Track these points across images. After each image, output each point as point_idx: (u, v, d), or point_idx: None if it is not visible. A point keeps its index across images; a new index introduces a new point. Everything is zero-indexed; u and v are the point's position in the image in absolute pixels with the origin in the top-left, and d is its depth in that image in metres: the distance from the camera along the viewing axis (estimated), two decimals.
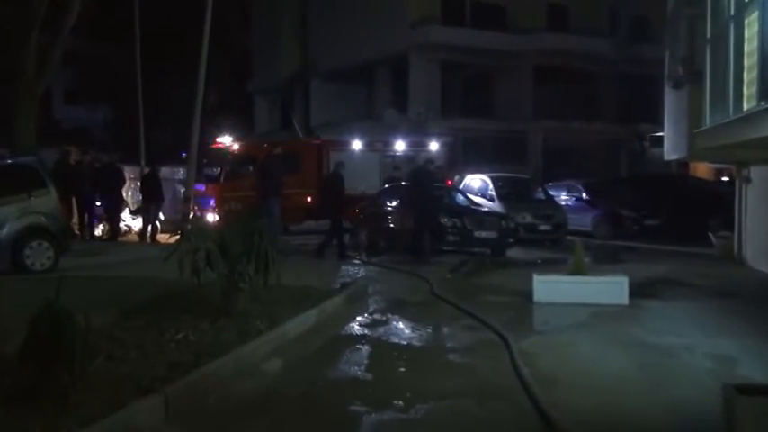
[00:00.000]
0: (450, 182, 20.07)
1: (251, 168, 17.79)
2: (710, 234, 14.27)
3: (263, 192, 13.37)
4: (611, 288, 8.54)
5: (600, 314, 7.97)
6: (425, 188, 13.12)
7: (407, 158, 20.27)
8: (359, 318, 7.85)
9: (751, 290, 10.13)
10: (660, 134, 21.74)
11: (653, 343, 6.75)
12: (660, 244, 15.66)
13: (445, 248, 13.88)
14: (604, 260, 12.15)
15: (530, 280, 8.78)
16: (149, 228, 16.30)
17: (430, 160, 14.44)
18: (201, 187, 17.40)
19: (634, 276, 9.24)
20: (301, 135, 21.89)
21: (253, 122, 37.99)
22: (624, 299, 8.45)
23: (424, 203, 12.94)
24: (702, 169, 24.18)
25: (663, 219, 17.35)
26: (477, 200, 16.60)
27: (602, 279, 8.76)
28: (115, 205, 16.41)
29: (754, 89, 8.08)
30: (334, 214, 13.54)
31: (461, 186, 18.69)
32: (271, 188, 13.28)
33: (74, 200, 15.45)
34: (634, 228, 17.41)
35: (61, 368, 4.35)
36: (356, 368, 5.86)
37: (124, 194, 17.96)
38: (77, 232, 15.63)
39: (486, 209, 15.49)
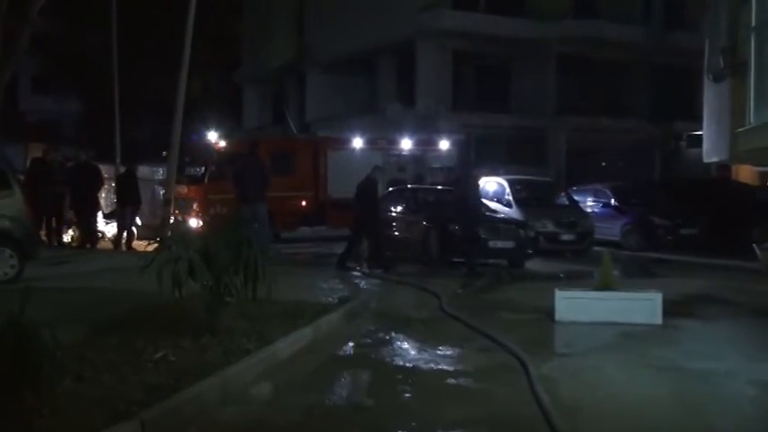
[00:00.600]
0: None
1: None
2: (755, 245, 14.23)
3: (241, 195, 13.33)
4: (642, 306, 8.53)
5: (630, 335, 7.96)
6: (469, 198, 13.04)
7: (414, 158, 20.33)
8: (359, 337, 7.84)
9: None
10: (698, 133, 21.80)
11: (689, 368, 6.73)
12: (698, 256, 15.63)
13: (456, 260, 13.89)
14: (635, 274, 12.13)
15: (551, 296, 8.77)
16: (125, 234, 16.33)
17: (470, 166, 14.11)
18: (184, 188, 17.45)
19: (668, 293, 9.21)
20: (295, 131, 21.95)
21: (241, 116, 38.09)
22: (657, 318, 8.44)
23: (469, 214, 12.88)
24: (746, 172, 24.11)
25: (701, 228, 17.33)
26: (493, 205, 16.61)
27: (633, 295, 8.75)
28: (89, 209, 16.42)
29: None
30: (369, 223, 13.43)
31: None
32: (250, 191, 13.24)
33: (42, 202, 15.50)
34: (668, 238, 17.40)
35: (26, 390, 4.35)
36: (356, 394, 5.86)
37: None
38: (44, 238, 15.66)
39: (502, 215, 15.51)
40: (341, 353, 7.21)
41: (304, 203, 18.88)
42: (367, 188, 13.73)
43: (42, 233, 15.66)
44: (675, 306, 9.39)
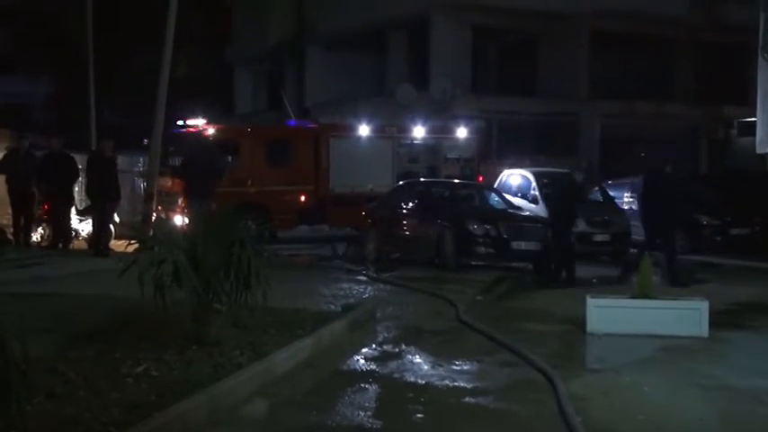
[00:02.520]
0: (481, 178, 20.10)
1: (230, 159, 17.89)
2: None
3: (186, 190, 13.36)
4: (685, 315, 8.53)
5: (671, 348, 7.96)
6: (667, 197, 12.94)
7: (427, 148, 20.33)
8: (365, 349, 7.87)
9: None
10: (752, 120, 21.66)
11: (739, 386, 6.73)
12: (750, 260, 15.60)
13: (474, 262, 13.89)
14: (678, 280, 12.11)
15: (582, 304, 8.77)
16: (102, 232, 16.37)
17: (667, 160, 13.83)
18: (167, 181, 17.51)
19: (716, 301, 9.20)
20: (293, 117, 21.97)
21: (233, 100, 38.15)
22: (703, 329, 8.43)
23: (667, 216, 12.78)
24: None
25: (754, 228, 17.28)
26: (517, 201, 16.61)
27: (675, 304, 8.75)
28: (62, 204, 16.46)
29: None
30: (562, 233, 13.27)
31: (496, 184, 18.69)
32: (201, 185, 13.28)
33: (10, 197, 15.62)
34: (717, 239, 17.34)
35: None
36: (361, 413, 5.88)
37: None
38: (10, 237, 15.74)
39: (527, 213, 15.50)
40: (344, 367, 7.23)
41: (303, 199, 18.89)
42: (563, 191, 13.56)
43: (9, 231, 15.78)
44: (724, 316, 9.39)
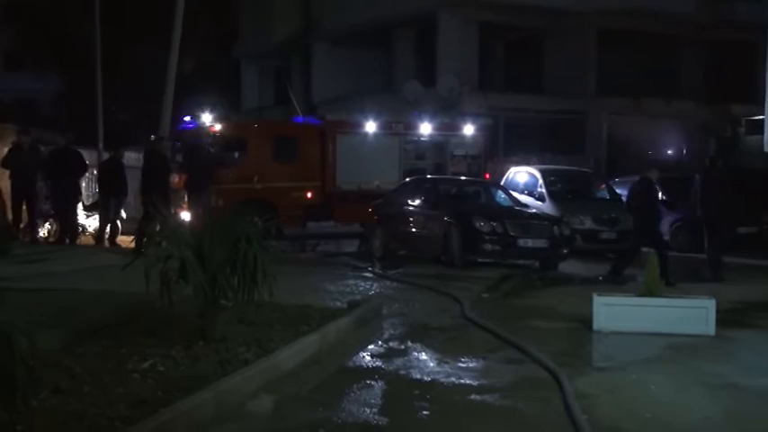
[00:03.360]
0: (488, 175, 20.09)
1: (237, 155, 17.92)
2: None
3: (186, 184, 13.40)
4: (692, 314, 8.51)
5: (678, 347, 7.94)
6: (721, 192, 13.02)
7: (434, 145, 20.32)
8: (371, 346, 7.87)
9: None
10: (759, 118, 21.60)
11: (746, 385, 6.71)
12: (758, 258, 15.55)
13: (481, 260, 13.89)
14: (685, 278, 12.09)
15: (588, 302, 8.76)
16: (108, 228, 16.42)
17: (714, 159, 13.85)
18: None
19: (723, 299, 9.19)
20: (301, 113, 21.98)
21: (240, 96, 38.17)
22: (710, 328, 8.41)
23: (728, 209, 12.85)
24: None
25: (762, 226, 17.22)
26: (523, 199, 16.59)
27: (682, 302, 8.73)
28: (68, 199, 16.49)
29: None
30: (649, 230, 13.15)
31: (503, 181, 18.67)
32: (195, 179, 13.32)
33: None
34: (725, 237, 17.27)
35: None
36: (367, 410, 5.87)
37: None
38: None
39: (533, 210, 15.49)
40: (350, 364, 7.23)
41: (309, 195, 18.89)
42: (642, 191, 13.54)
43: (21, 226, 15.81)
44: (731, 314, 9.37)
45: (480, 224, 13.60)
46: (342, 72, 31.41)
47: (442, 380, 6.76)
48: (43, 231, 16.79)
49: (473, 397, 6.31)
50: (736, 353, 7.91)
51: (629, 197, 13.69)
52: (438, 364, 7.28)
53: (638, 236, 13.00)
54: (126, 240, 14.27)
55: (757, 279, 13.30)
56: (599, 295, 8.81)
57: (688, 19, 28.05)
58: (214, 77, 36.36)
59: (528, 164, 19.96)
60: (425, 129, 19.94)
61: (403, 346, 7.91)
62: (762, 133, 21.25)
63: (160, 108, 15.88)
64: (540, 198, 17.23)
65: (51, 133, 19.97)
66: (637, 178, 13.56)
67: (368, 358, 7.45)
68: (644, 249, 13.53)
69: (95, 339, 6.82)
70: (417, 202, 15.31)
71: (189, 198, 13.12)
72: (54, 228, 16.74)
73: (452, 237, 13.68)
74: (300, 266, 13.10)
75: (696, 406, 6.16)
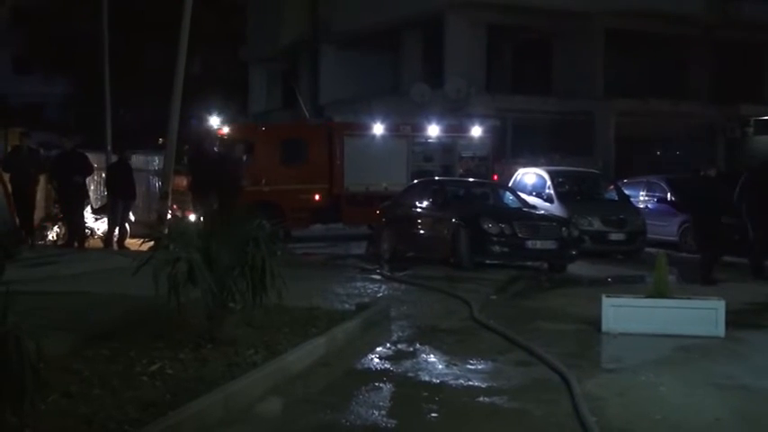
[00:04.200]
0: (495, 176, 20.07)
1: (245, 158, 17.94)
2: None
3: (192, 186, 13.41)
4: (702, 315, 8.47)
5: (687, 348, 7.91)
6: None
7: (442, 147, 20.31)
8: (379, 348, 7.85)
9: None
10: None
11: (757, 387, 6.68)
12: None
13: (489, 262, 13.87)
14: (694, 279, 12.04)
15: (597, 303, 8.73)
16: (116, 231, 16.46)
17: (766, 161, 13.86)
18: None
19: (733, 301, 9.15)
20: (308, 115, 22.01)
21: (247, 99, 38.25)
22: (719, 329, 8.38)
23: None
24: None
25: None
26: (531, 200, 16.58)
27: (691, 303, 8.69)
28: (76, 202, 16.54)
29: None
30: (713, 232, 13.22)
31: (511, 183, 18.65)
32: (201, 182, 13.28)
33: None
34: (734, 238, 17.20)
35: (6, 406, 4.40)
36: (375, 413, 5.87)
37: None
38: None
39: (542, 212, 15.46)
40: (359, 366, 7.22)
41: (317, 197, 18.92)
42: (700, 191, 13.45)
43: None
44: (741, 316, 9.33)
45: (488, 226, 13.58)
46: (349, 74, 31.43)
47: (451, 382, 6.75)
48: (52, 234, 16.85)
49: (482, 399, 6.29)
50: (746, 354, 7.87)
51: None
52: (446, 367, 7.27)
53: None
54: (134, 243, 14.28)
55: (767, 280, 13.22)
56: (608, 296, 8.78)
57: (696, 20, 27.96)
58: (222, 80, 36.49)
59: (536, 165, 19.93)
60: (433, 130, 19.94)
61: (411, 349, 7.90)
62: None
63: (168, 111, 15.87)
64: (549, 199, 17.22)
65: (58, 137, 20.04)
66: (690, 175, 13.56)
67: (376, 360, 7.44)
68: (650, 249, 13.50)
69: (104, 342, 6.83)
70: (425, 203, 15.30)
71: (193, 200, 13.12)
72: (62, 231, 16.80)
73: (460, 238, 13.66)
74: (308, 269, 13.09)
75: (706, 407, 6.13)
